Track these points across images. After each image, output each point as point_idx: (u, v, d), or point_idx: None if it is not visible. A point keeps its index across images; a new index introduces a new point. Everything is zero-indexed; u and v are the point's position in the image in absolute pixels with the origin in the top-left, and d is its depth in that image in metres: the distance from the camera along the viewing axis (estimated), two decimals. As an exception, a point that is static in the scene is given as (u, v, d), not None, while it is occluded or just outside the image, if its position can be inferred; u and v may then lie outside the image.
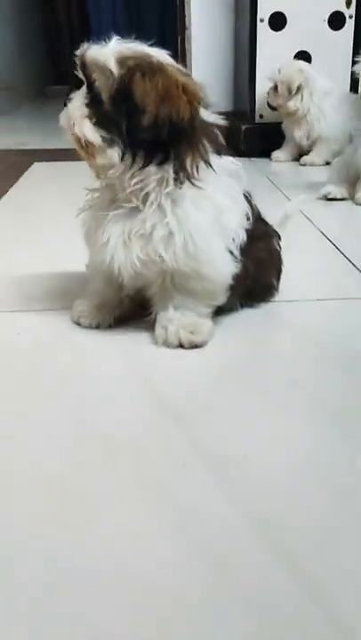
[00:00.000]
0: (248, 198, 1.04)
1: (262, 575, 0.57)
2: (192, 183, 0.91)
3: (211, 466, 0.71)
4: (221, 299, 1.01)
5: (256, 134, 2.60)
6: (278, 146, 2.57)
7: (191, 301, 0.98)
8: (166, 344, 1.00)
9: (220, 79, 2.79)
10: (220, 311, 1.06)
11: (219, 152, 0.96)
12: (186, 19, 2.78)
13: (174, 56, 0.90)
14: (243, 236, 0.97)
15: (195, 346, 0.99)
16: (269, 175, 2.28)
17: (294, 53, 2.48)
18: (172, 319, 0.99)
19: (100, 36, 0.87)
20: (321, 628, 0.52)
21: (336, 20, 2.45)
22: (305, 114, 2.40)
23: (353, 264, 1.36)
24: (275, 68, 2.41)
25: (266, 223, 1.15)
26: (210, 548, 0.60)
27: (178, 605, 0.54)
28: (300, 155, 2.51)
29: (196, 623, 0.52)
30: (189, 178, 0.91)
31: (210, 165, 0.93)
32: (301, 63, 2.38)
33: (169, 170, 0.90)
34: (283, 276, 1.17)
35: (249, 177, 1.02)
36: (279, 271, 1.17)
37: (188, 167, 0.91)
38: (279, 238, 1.18)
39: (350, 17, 2.45)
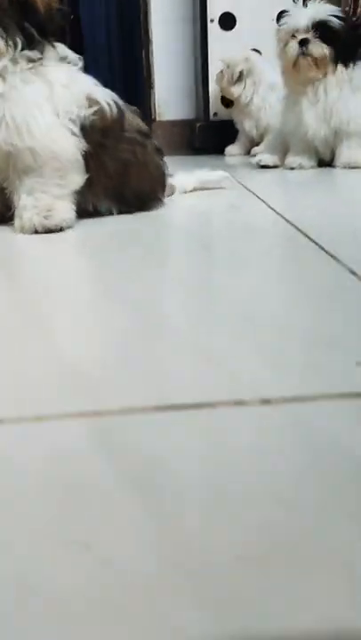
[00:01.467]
0: (117, 103, 1.04)
1: None
2: (31, 60, 0.91)
3: None
4: (74, 180, 0.99)
5: (210, 131, 2.64)
6: (233, 142, 2.60)
7: (41, 183, 0.97)
8: (23, 231, 0.98)
9: (184, 87, 2.85)
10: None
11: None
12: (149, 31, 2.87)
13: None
14: (84, 116, 0.96)
15: (49, 230, 0.97)
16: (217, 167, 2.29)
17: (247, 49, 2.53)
18: (26, 205, 0.98)
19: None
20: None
21: (284, 19, 2.51)
22: (247, 103, 2.42)
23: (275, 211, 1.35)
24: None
25: (147, 136, 1.14)
26: None
27: None
28: (252, 147, 2.53)
29: None
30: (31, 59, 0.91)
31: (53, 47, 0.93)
32: (251, 53, 2.43)
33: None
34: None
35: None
36: (160, 183, 1.16)
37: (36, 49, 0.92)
38: (161, 154, 1.17)
39: (298, 15, 2.51)
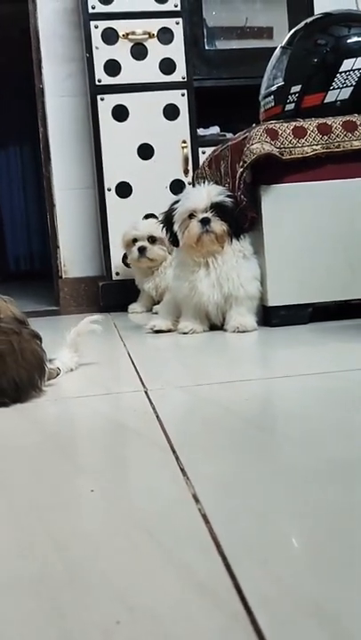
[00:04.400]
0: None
1: None
2: None
3: None
4: None
5: (113, 290, 2.71)
6: (134, 299, 2.67)
7: None
8: None
9: (89, 247, 2.96)
10: None
11: None
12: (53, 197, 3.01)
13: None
14: None
15: None
16: (117, 322, 2.34)
17: (142, 216, 2.67)
18: None
19: None
20: None
21: (176, 187, 2.70)
22: (163, 262, 2.53)
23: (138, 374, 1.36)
24: (123, 229, 2.59)
25: (23, 324, 1.15)
26: None
27: None
28: (153, 304, 2.60)
29: None
30: None
31: None
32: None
33: None
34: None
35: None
36: (38, 369, 1.16)
37: None
38: (39, 340, 1.18)
39: (189, 183, 2.70)
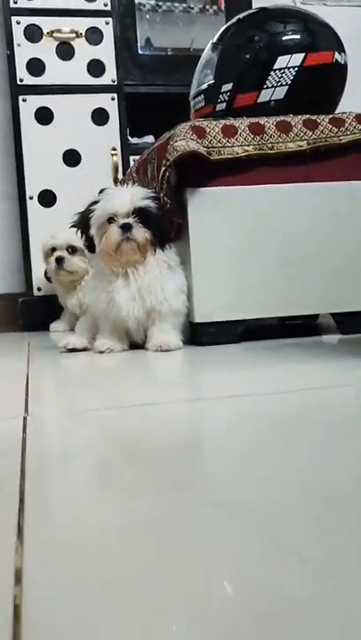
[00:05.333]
0: None
1: None
2: None
3: None
4: None
5: (34, 307, 2.48)
6: (58, 316, 2.45)
7: None
8: None
9: (8, 261, 2.72)
10: None
11: None
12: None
13: None
14: None
15: None
16: (32, 342, 2.11)
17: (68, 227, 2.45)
18: None
19: None
20: None
21: (105, 196, 2.50)
22: (85, 275, 2.32)
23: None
24: (46, 241, 2.37)
25: None
26: None
27: None
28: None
29: None
30: None
31: None
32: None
33: None
34: None
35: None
36: None
37: None
38: None
39: (119, 193, 2.51)
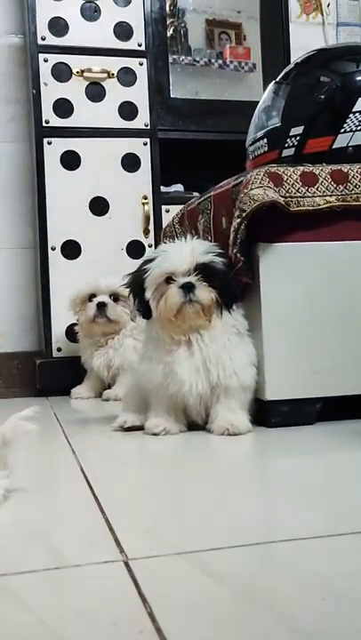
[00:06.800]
0: None
1: None
2: None
3: None
4: None
5: (54, 369, 2.22)
6: (79, 381, 2.19)
7: None
8: None
9: (25, 318, 2.47)
10: None
11: None
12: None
13: None
14: None
15: None
16: (59, 412, 1.84)
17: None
18: None
19: None
20: None
21: (134, 249, 2.28)
22: (122, 329, 2.08)
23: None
24: (70, 296, 2.13)
25: None
26: None
27: None
28: (103, 389, 2.12)
29: None
30: None
31: None
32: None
33: None
34: None
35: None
36: None
37: None
38: None
39: (149, 246, 2.29)
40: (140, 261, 1.47)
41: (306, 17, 2.91)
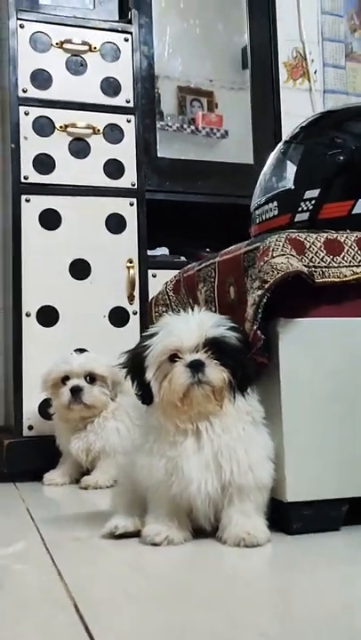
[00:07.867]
0: None
1: None
2: None
3: None
4: None
5: (24, 451, 1.96)
6: (53, 465, 1.93)
7: None
8: None
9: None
10: None
11: None
12: None
13: None
14: None
15: None
16: (32, 505, 1.58)
17: (72, 350, 1.99)
18: None
19: None
20: None
21: (117, 316, 2.08)
22: (102, 411, 1.85)
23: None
24: (44, 367, 1.90)
25: None
26: None
27: None
28: (81, 474, 1.88)
29: None
30: None
31: None
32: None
33: None
34: None
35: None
36: None
37: None
38: None
39: (134, 313, 2.10)
40: (139, 339, 1.26)
41: (293, 82, 2.87)
